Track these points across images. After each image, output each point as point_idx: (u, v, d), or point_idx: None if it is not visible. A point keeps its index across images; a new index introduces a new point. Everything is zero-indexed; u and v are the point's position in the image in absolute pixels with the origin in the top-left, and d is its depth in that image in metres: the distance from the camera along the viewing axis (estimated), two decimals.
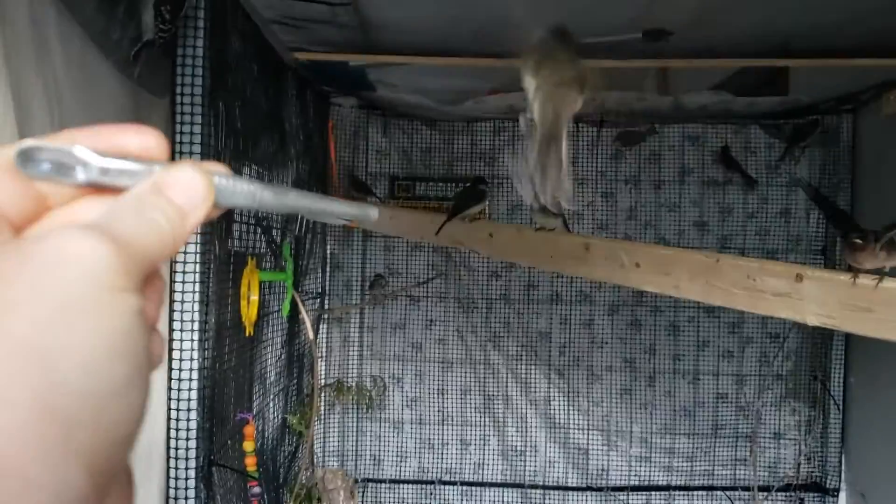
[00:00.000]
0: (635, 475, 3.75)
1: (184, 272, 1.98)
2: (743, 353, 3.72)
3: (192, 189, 0.37)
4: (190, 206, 0.37)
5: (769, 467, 3.70)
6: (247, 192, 0.39)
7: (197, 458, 2.03)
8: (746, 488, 3.66)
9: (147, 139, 0.38)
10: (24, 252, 0.31)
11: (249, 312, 2.37)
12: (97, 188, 0.37)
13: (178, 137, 1.99)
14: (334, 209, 0.46)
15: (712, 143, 3.69)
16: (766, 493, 3.65)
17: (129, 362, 0.32)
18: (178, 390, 2.00)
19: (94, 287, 0.31)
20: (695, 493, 3.72)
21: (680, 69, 3.65)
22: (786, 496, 3.67)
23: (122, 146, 0.37)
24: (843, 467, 3.58)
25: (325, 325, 3.74)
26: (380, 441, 3.84)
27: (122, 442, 0.32)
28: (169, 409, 2.01)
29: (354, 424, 3.82)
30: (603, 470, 3.76)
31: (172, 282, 1.99)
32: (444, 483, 3.82)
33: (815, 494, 3.63)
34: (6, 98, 1.37)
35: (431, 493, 3.81)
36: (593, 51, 2.94)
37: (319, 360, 3.25)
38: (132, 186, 0.36)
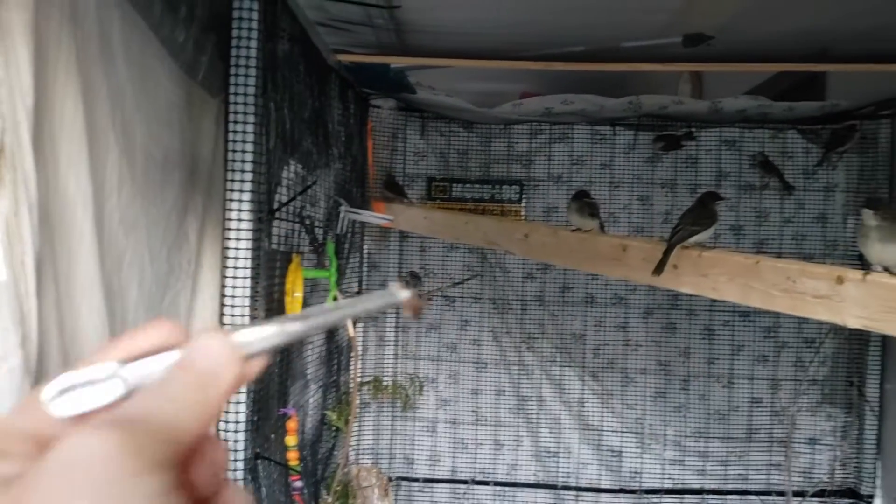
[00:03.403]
0: (669, 478, 3.75)
1: (235, 268, 2.03)
2: (778, 358, 3.70)
3: (211, 355, 0.37)
4: (212, 372, 0.37)
5: (804, 473, 3.68)
6: (275, 332, 0.39)
7: (245, 450, 2.08)
8: (781, 493, 3.64)
9: (164, 332, 0.39)
10: (38, 466, 0.32)
11: (294, 309, 2.42)
12: None
13: (230, 136, 2.05)
14: (364, 308, 0.45)
15: (749, 148, 3.69)
16: (800, 499, 3.63)
17: None
18: None
19: (106, 479, 0.31)
20: (728, 497, 3.71)
21: (716, 73, 3.67)
22: (820, 502, 3.64)
23: (145, 347, 0.38)
24: (878, 474, 3.55)
25: (360, 325, 3.78)
26: (413, 440, 3.87)
27: None
28: None
29: (389, 423, 3.86)
30: (636, 472, 3.76)
31: (224, 277, 2.04)
32: (477, 483, 3.84)
33: (850, 501, 3.60)
34: (77, 97, 1.42)
35: (464, 494, 3.84)
36: (631, 55, 2.97)
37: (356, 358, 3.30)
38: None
